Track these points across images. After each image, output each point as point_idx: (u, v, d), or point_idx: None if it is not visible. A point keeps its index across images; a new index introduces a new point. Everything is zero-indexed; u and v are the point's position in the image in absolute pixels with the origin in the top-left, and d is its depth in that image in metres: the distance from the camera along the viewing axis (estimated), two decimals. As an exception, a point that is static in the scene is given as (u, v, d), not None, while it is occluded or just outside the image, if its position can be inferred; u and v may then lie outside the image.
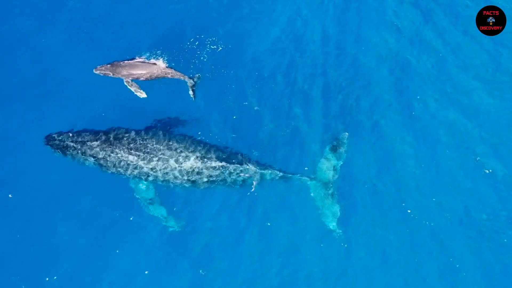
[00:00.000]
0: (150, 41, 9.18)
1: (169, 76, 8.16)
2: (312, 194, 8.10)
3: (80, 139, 7.93)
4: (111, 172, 7.87)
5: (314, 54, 9.58)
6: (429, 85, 9.24)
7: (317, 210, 8.06)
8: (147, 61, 8.16)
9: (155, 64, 8.07)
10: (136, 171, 7.72)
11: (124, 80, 8.05)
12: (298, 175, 8.09)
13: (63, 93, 8.79)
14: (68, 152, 7.97)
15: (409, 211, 8.16)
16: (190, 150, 7.81)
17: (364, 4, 10.14)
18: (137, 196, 7.90)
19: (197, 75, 8.43)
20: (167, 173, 7.68)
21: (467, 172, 8.48)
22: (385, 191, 8.34)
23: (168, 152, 7.71)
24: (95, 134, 8.01)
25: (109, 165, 7.80)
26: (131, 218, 7.91)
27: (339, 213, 7.94)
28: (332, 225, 7.93)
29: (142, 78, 8.01)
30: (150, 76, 8.02)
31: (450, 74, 9.34)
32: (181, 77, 8.20)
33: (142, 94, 8.16)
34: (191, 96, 8.32)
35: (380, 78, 9.36)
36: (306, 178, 8.07)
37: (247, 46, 9.51)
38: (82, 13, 9.62)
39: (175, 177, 7.70)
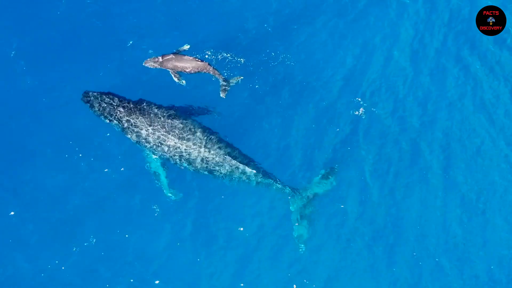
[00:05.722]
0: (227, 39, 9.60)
1: (208, 72, 8.82)
2: (291, 208, 8.25)
3: (117, 103, 8.33)
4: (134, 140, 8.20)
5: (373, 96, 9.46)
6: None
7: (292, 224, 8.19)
8: (188, 56, 8.90)
9: (196, 59, 8.82)
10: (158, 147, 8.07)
11: (170, 71, 8.93)
12: (286, 186, 8.20)
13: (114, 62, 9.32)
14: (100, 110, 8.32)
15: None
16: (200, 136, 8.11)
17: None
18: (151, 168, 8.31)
19: (237, 77, 8.96)
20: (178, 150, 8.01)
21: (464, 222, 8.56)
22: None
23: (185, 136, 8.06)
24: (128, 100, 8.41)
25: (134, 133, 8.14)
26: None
27: (307, 234, 8.11)
28: (300, 244, 8.08)
29: (186, 71, 8.90)
30: (191, 70, 8.86)
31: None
32: (217, 76, 8.85)
33: (180, 80, 8.90)
34: (222, 96, 8.82)
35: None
36: (289, 191, 8.18)
37: (313, 69, 9.64)
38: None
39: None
